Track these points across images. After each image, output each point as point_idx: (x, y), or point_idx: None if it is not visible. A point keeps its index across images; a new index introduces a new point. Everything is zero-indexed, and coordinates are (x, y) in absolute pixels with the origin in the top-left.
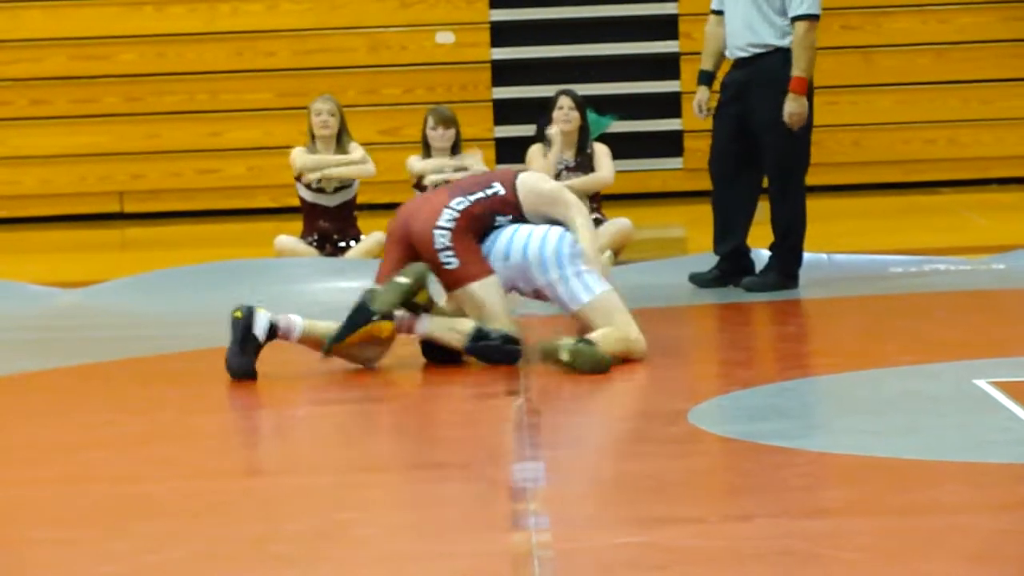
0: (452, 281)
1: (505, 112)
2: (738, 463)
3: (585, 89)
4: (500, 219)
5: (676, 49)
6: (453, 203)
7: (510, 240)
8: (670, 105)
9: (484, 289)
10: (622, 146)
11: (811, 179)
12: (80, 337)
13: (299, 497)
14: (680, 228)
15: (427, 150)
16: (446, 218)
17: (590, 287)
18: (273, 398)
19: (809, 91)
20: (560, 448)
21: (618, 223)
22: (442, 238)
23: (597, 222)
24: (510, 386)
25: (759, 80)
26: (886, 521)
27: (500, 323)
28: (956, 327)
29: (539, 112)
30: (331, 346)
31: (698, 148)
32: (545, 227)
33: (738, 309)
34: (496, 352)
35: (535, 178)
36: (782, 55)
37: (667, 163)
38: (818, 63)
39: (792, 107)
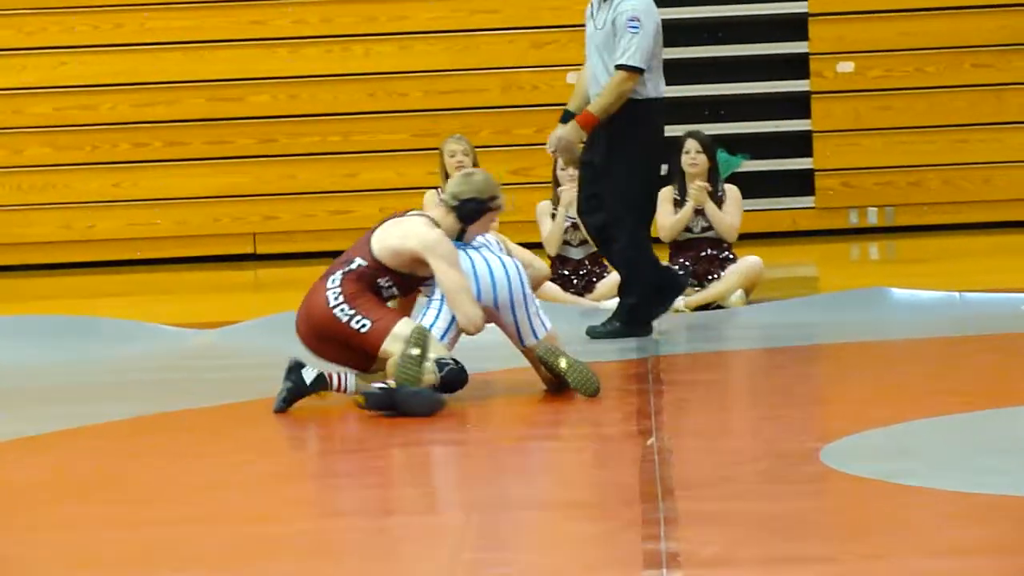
0: (375, 339)
1: None
2: (870, 502)
3: (715, 128)
4: (381, 281)
5: (807, 88)
6: (329, 283)
7: (475, 283)
8: (801, 144)
9: (408, 328)
10: (753, 185)
11: (941, 217)
12: (215, 378)
13: (429, 536)
14: (811, 267)
15: (556, 188)
16: (333, 296)
17: (544, 324)
18: (404, 437)
19: (655, 152)
20: (692, 488)
21: (749, 261)
22: (342, 311)
23: (727, 261)
24: (641, 425)
25: (598, 128)
26: (1018, 561)
27: (437, 349)
28: None
29: (669, 151)
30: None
31: (829, 187)
32: (500, 264)
33: (870, 348)
34: (461, 373)
35: (389, 239)
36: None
37: (798, 202)
38: (949, 101)
39: (563, 131)
